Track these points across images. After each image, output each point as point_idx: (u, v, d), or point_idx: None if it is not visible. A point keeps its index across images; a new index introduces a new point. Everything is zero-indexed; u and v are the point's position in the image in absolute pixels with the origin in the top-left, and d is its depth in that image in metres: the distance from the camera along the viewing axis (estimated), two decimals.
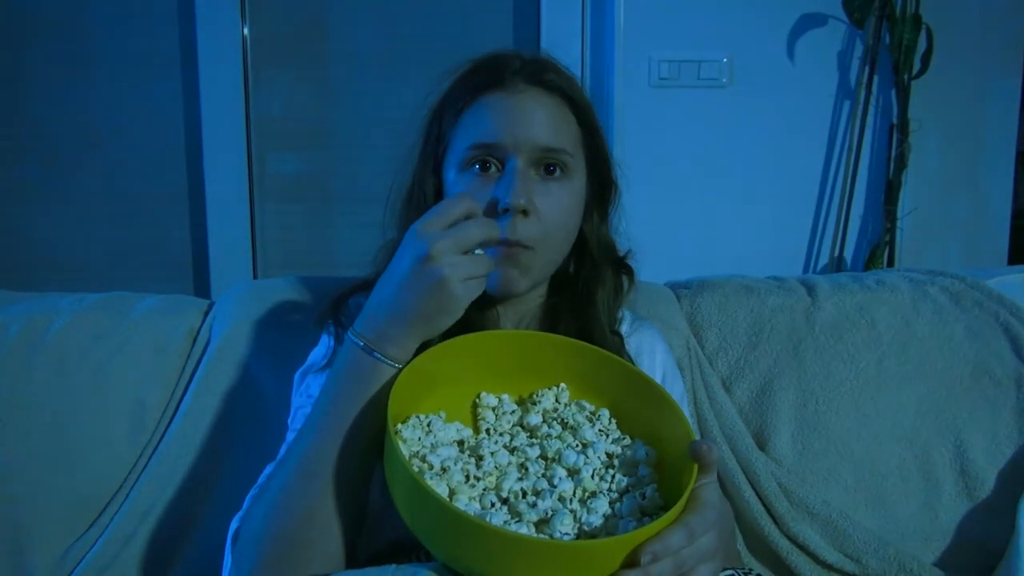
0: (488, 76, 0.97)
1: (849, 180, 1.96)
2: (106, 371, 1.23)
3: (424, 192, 1.02)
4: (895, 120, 1.93)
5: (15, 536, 1.16)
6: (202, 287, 2.05)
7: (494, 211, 0.93)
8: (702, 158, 1.96)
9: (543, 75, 0.97)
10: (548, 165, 0.95)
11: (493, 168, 0.95)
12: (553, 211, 0.94)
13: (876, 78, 1.92)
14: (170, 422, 1.22)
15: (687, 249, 1.95)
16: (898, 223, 1.94)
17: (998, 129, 1.99)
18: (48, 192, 2.04)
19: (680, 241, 1.95)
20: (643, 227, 1.94)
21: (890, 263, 1.94)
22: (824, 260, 2.01)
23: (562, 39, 1.99)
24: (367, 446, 0.80)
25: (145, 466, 1.20)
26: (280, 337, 1.22)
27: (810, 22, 1.93)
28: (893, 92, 1.93)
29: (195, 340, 1.27)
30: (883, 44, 1.91)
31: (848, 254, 2.00)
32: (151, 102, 2.01)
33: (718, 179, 1.97)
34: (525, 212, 0.92)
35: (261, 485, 0.90)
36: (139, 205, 2.05)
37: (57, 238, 2.05)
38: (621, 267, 1.09)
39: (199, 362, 1.25)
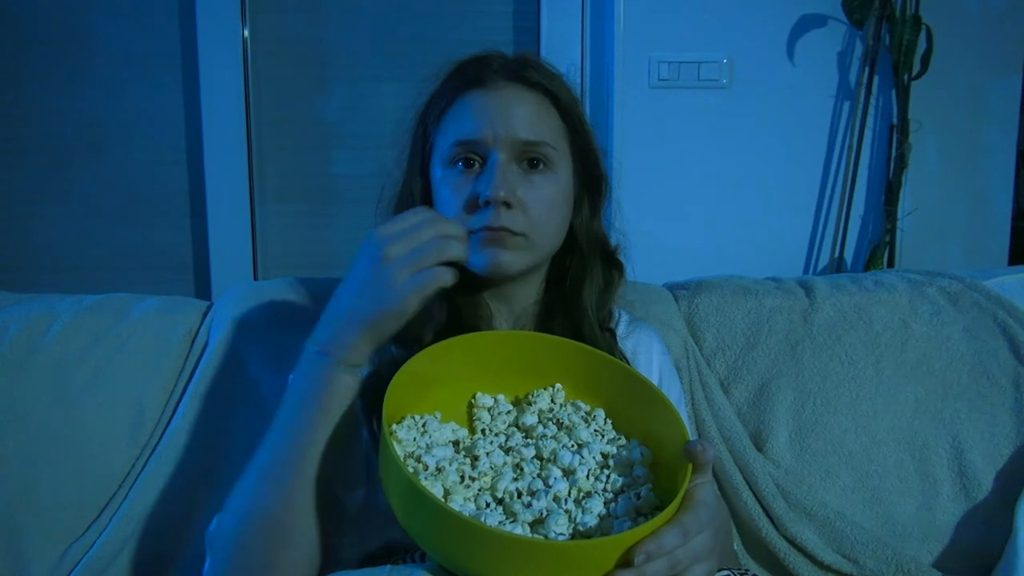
0: (469, 75, 0.99)
1: (849, 181, 1.96)
2: (105, 372, 1.23)
3: (412, 192, 1.03)
4: (895, 121, 1.93)
5: (13, 537, 1.16)
6: (203, 288, 2.06)
7: (476, 205, 0.95)
8: (702, 159, 1.96)
9: (523, 72, 0.98)
10: (531, 158, 0.96)
11: (476, 164, 0.97)
12: (537, 203, 0.96)
13: (876, 79, 1.92)
14: (168, 423, 1.22)
15: (686, 250, 1.95)
16: (898, 224, 1.94)
17: (998, 129, 1.99)
18: (49, 193, 2.04)
19: (679, 242, 1.95)
20: (642, 228, 1.94)
21: (890, 264, 1.94)
22: (824, 261, 2.00)
23: (562, 40, 1.99)
24: (327, 451, 0.81)
25: (144, 467, 1.20)
26: (278, 338, 1.22)
27: (810, 23, 1.93)
28: (893, 93, 1.93)
29: (194, 341, 1.28)
30: (883, 45, 1.91)
31: (848, 255, 2.00)
32: (152, 103, 2.02)
33: (718, 180, 1.97)
34: (508, 204, 0.94)
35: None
36: (140, 206, 2.05)
37: (58, 239, 2.05)
38: (611, 262, 1.09)
39: (197, 363, 1.25)
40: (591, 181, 1.06)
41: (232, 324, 1.25)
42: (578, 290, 1.05)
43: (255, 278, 2.04)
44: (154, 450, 1.20)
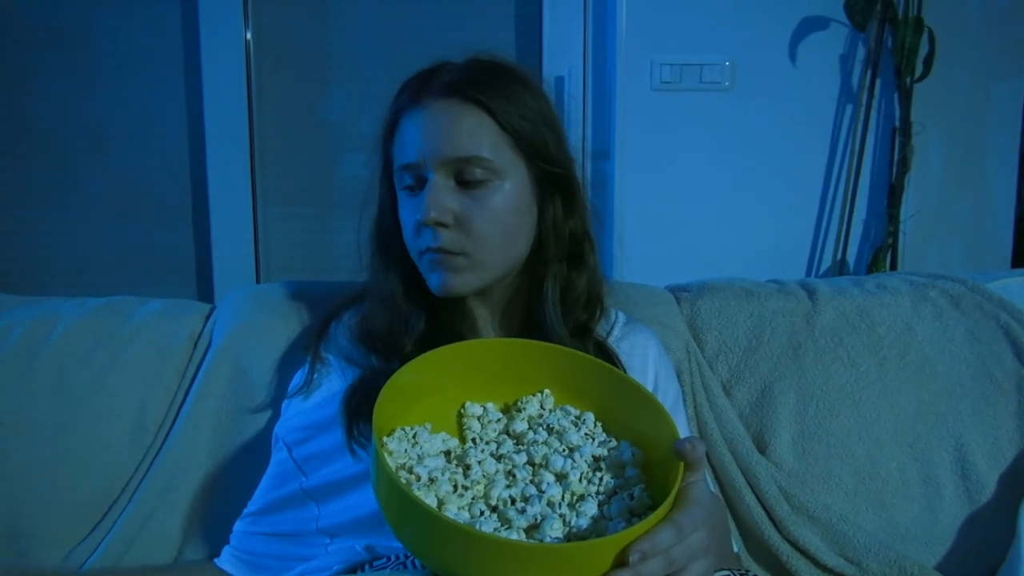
0: (409, 93, 0.99)
1: (851, 183, 1.96)
2: (108, 375, 1.23)
3: (384, 209, 1.06)
4: (897, 123, 1.93)
5: (17, 540, 1.17)
6: (205, 291, 2.06)
7: (420, 227, 0.97)
8: (704, 161, 1.96)
9: (458, 85, 0.97)
10: (467, 174, 0.96)
11: (420, 185, 0.98)
12: (478, 218, 0.96)
13: (878, 81, 1.92)
14: (172, 426, 1.23)
15: (689, 252, 1.95)
16: (901, 226, 1.94)
17: (1001, 132, 1.99)
18: (52, 196, 2.05)
19: (681, 244, 1.95)
20: (644, 230, 1.95)
21: (893, 266, 1.94)
22: (827, 263, 2.00)
23: (564, 43, 1.99)
24: None
25: (147, 470, 1.21)
26: (279, 342, 1.22)
27: (812, 25, 1.93)
28: (895, 95, 1.93)
29: (196, 344, 1.28)
30: (885, 47, 1.91)
31: (851, 257, 2.00)
32: (155, 107, 2.03)
33: (720, 182, 1.97)
34: (442, 224, 0.95)
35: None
36: (143, 209, 2.06)
37: (61, 242, 2.06)
38: (575, 261, 1.07)
39: (200, 366, 1.25)
40: (556, 181, 1.03)
41: (234, 327, 1.26)
42: (539, 290, 1.04)
43: (257, 281, 2.04)
44: (157, 453, 1.21)
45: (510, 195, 0.98)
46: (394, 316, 1.02)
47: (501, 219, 0.98)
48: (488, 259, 0.98)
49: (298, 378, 1.08)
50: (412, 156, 0.96)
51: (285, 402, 1.08)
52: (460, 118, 0.96)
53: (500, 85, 0.99)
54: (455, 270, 0.97)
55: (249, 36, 1.99)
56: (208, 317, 1.32)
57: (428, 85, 0.98)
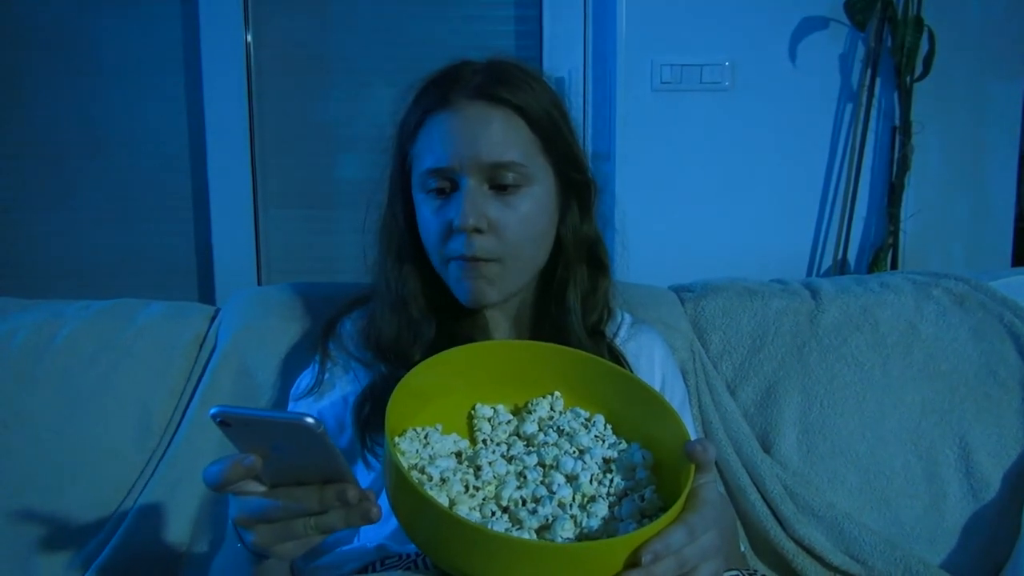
0: (435, 94, 0.98)
1: (852, 183, 1.96)
2: (112, 378, 1.23)
3: (395, 213, 1.04)
4: (897, 123, 1.93)
5: (22, 543, 1.16)
6: (206, 293, 2.06)
7: (452, 230, 0.96)
8: (705, 162, 1.96)
9: (491, 88, 0.96)
10: (502, 179, 0.96)
11: (450, 189, 0.97)
12: (511, 224, 0.96)
13: (878, 81, 1.92)
14: (177, 429, 1.22)
15: (691, 253, 1.95)
16: (901, 225, 1.94)
17: (1001, 131, 1.99)
18: (53, 198, 2.04)
19: (683, 245, 1.95)
20: (647, 231, 1.95)
21: (894, 266, 1.94)
22: (827, 263, 2.00)
23: (564, 44, 1.99)
24: None
25: (152, 473, 1.20)
26: (284, 344, 1.22)
27: (812, 25, 1.93)
28: (895, 95, 1.93)
29: (201, 346, 1.28)
30: (885, 47, 1.91)
31: (851, 257, 2.00)
32: (155, 108, 2.03)
33: (721, 183, 1.97)
34: (478, 230, 0.94)
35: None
36: (144, 211, 2.06)
37: (63, 244, 2.06)
38: (596, 265, 1.08)
39: (205, 368, 1.25)
40: (576, 186, 1.04)
41: (239, 329, 1.26)
42: (563, 295, 1.04)
43: (259, 283, 2.04)
44: (163, 456, 1.21)
45: (540, 199, 0.99)
46: (403, 323, 1.01)
47: (530, 225, 0.98)
48: (519, 265, 0.99)
49: (306, 380, 1.06)
50: (445, 160, 0.95)
51: (291, 406, 1.07)
52: (497, 123, 0.95)
53: (528, 88, 0.98)
54: (487, 279, 0.97)
55: (249, 38, 1.99)
56: (213, 319, 1.32)
57: (457, 86, 0.97)
